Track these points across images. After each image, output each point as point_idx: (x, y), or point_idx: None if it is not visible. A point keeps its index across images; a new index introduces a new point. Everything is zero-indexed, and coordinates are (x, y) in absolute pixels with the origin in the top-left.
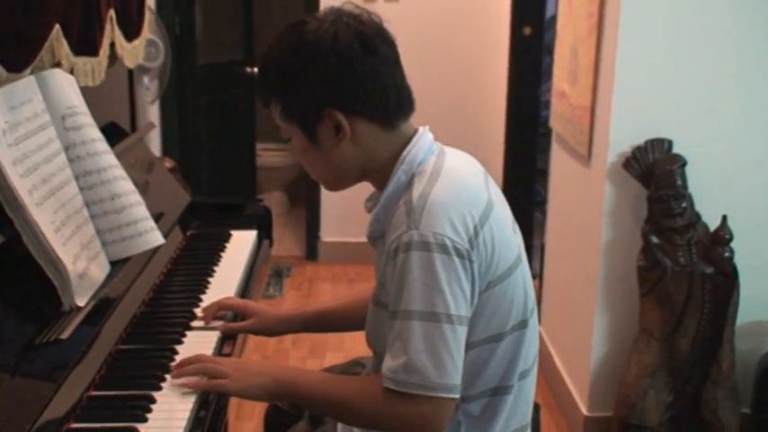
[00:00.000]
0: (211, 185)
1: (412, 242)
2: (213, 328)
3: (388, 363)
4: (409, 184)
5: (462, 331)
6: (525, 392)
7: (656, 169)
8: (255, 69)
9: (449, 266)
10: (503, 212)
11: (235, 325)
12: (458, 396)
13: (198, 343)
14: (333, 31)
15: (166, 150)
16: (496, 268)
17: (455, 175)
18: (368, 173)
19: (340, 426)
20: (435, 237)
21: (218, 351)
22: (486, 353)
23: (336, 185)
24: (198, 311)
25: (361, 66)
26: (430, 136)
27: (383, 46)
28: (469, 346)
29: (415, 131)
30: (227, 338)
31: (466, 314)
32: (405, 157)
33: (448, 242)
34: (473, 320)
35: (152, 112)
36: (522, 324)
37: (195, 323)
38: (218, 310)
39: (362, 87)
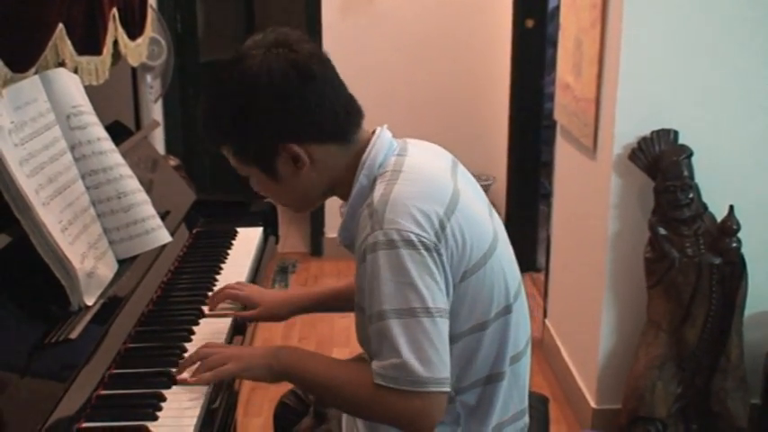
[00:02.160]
0: (215, 183)
1: (377, 242)
2: (225, 315)
3: (376, 362)
4: (372, 186)
5: (443, 323)
6: (520, 377)
7: (662, 160)
8: None
9: (417, 261)
10: (473, 200)
11: (244, 313)
12: (448, 389)
13: (207, 339)
14: (266, 66)
15: (170, 148)
16: (470, 258)
17: (416, 170)
18: (334, 188)
19: (344, 422)
20: (400, 233)
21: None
22: (473, 343)
23: (306, 208)
24: (206, 309)
25: (302, 94)
26: (388, 135)
27: (318, 67)
28: (455, 338)
29: (372, 134)
30: (236, 333)
31: (444, 306)
32: (364, 161)
33: (413, 237)
34: (454, 312)
35: (155, 111)
36: (506, 309)
37: (207, 311)
38: (224, 299)
39: (309, 116)
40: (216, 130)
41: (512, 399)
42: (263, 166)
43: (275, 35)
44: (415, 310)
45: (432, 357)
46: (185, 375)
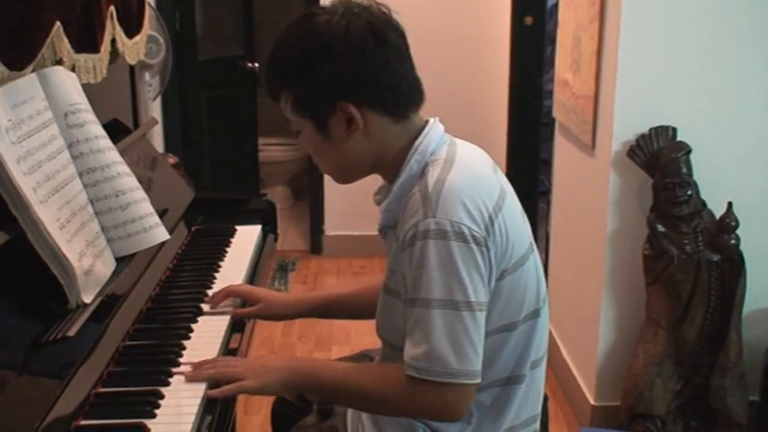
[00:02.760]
0: (214, 181)
1: (429, 230)
2: (223, 313)
3: (410, 351)
4: (422, 172)
5: (482, 317)
6: (536, 382)
7: (660, 157)
8: (257, 64)
9: (466, 254)
10: (514, 202)
11: (243, 310)
12: (479, 381)
13: (205, 337)
14: (344, 23)
15: (169, 147)
16: (510, 257)
17: (469, 163)
18: (378, 165)
19: (349, 418)
20: (452, 224)
21: (226, 344)
22: (498, 342)
23: (346, 178)
24: (205, 307)
25: (374, 58)
26: (441, 126)
27: (394, 37)
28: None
29: (426, 122)
30: (235, 331)
31: (485, 300)
32: (417, 146)
33: (465, 229)
34: (487, 309)
35: (154, 109)
36: (535, 313)
37: (206, 308)
38: (225, 297)
39: (375, 80)
40: (280, 74)
41: (526, 404)
42: (317, 121)
43: (349, 3)
44: (457, 303)
45: (467, 350)
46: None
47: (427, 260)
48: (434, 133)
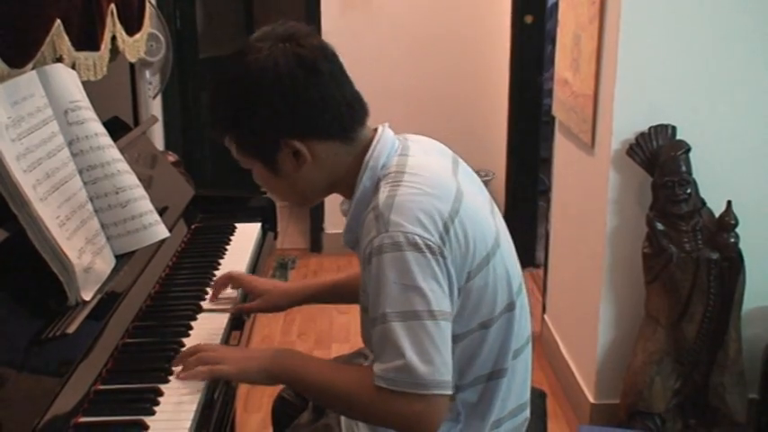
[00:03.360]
0: (214, 179)
1: (383, 245)
2: (223, 310)
3: (378, 365)
4: (375, 188)
5: (446, 326)
6: (519, 372)
7: (660, 156)
8: None
9: (422, 264)
10: (475, 199)
11: (245, 305)
12: (450, 392)
13: (204, 335)
14: (272, 60)
15: (169, 144)
16: (473, 258)
17: (420, 171)
18: (335, 186)
19: (343, 417)
20: (406, 236)
21: (225, 341)
22: (476, 341)
23: (306, 204)
24: (204, 305)
25: (307, 90)
26: (389, 134)
27: (324, 63)
28: (459, 337)
29: (374, 132)
30: (234, 329)
31: (448, 309)
32: (367, 162)
33: (419, 240)
34: (459, 312)
35: (154, 107)
36: (509, 307)
37: (206, 304)
38: (227, 282)
39: (313, 111)
40: (219, 121)
41: (511, 394)
42: (265, 160)
43: (283, 29)
44: (418, 313)
45: (435, 360)
46: (183, 375)
47: (384, 274)
48: (383, 145)
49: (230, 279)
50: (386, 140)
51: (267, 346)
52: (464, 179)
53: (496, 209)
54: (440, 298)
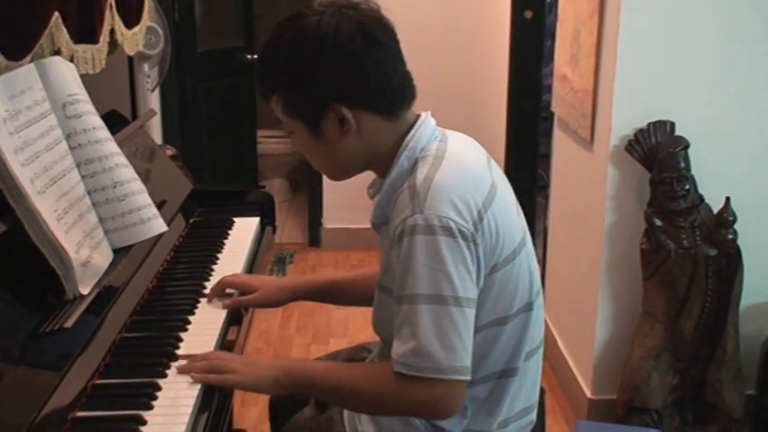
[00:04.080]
0: (212, 173)
1: (416, 226)
2: (223, 305)
3: (398, 348)
4: (412, 169)
5: (471, 313)
6: (530, 373)
7: (658, 152)
8: (256, 56)
9: (454, 249)
10: (506, 196)
11: (241, 299)
12: (468, 377)
13: (202, 329)
14: (334, 24)
15: (167, 138)
16: (501, 252)
17: (458, 159)
18: (372, 162)
19: (346, 411)
20: (440, 220)
21: (223, 336)
22: (491, 336)
23: (341, 176)
24: (202, 300)
25: (365, 59)
26: (432, 121)
27: (384, 36)
28: (475, 330)
29: (417, 117)
30: (232, 323)
31: (473, 296)
32: (407, 143)
33: (452, 225)
34: (478, 304)
35: (152, 100)
36: (528, 306)
37: (203, 302)
38: (222, 289)
39: (366, 81)
40: (271, 78)
41: (520, 395)
42: (309, 123)
43: (339, 3)
44: (445, 298)
45: (455, 345)
46: (192, 373)
47: (414, 256)
48: (425, 129)
49: (224, 286)
50: (428, 125)
51: (266, 341)
52: (496, 175)
53: (521, 212)
54: (467, 284)
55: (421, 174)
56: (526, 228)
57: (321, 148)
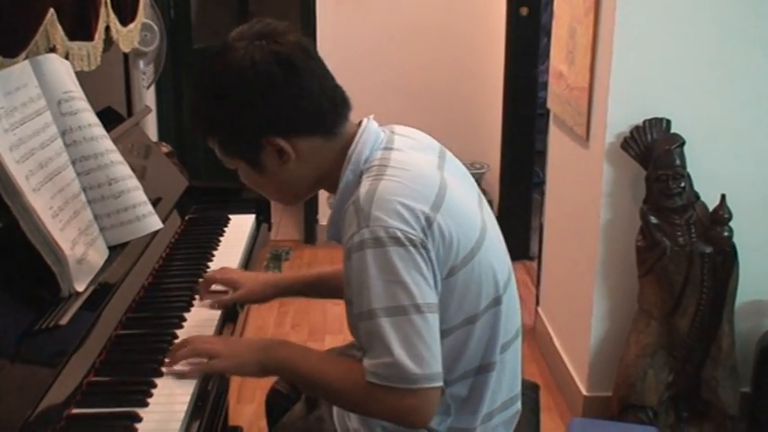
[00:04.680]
0: (207, 170)
1: (364, 240)
2: (209, 307)
3: (368, 360)
4: (358, 181)
5: (433, 318)
6: (509, 365)
7: (654, 149)
8: None
9: (405, 257)
10: (461, 192)
11: (226, 298)
12: (440, 384)
13: (198, 326)
14: (249, 58)
15: (162, 135)
16: (457, 253)
17: (402, 166)
18: (320, 181)
19: (335, 409)
20: (386, 231)
21: (219, 333)
22: (463, 336)
23: (294, 201)
24: (197, 301)
25: (287, 88)
26: (373, 126)
27: (303, 59)
28: (444, 332)
29: (359, 126)
30: (228, 320)
31: (433, 301)
32: (350, 156)
33: (400, 234)
34: (443, 308)
35: (148, 97)
36: (496, 301)
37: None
38: (208, 286)
39: (294, 109)
40: (201, 122)
41: (501, 388)
42: (249, 160)
43: (260, 26)
44: (404, 308)
45: (423, 354)
46: (177, 368)
47: (367, 271)
48: (367, 138)
49: (209, 282)
50: (369, 133)
51: (259, 336)
52: (450, 173)
53: (485, 202)
54: (425, 291)
55: (364, 188)
56: (489, 219)
57: (267, 180)
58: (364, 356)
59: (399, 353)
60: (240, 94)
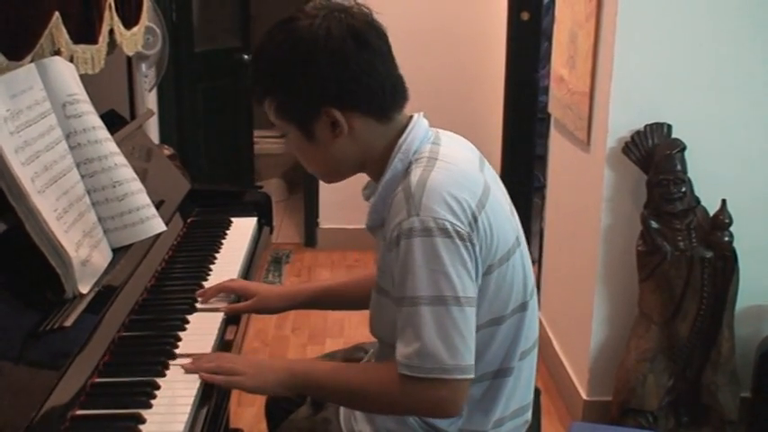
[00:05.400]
0: (209, 173)
1: (413, 228)
2: (216, 309)
3: (402, 350)
4: (406, 171)
5: (471, 312)
6: (525, 373)
7: (655, 154)
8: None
9: (452, 249)
10: (500, 196)
11: (238, 306)
12: (472, 376)
13: (201, 328)
14: (325, 27)
15: (164, 138)
16: (496, 252)
17: (451, 160)
18: (365, 165)
19: (342, 409)
20: (436, 221)
21: (221, 336)
22: (486, 336)
23: (334, 178)
24: (197, 305)
25: (356, 62)
26: (425, 122)
27: (375, 39)
28: None
29: (410, 119)
30: (230, 323)
31: (473, 295)
32: (401, 145)
33: (449, 226)
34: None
35: (150, 100)
36: (522, 307)
37: (199, 305)
38: (217, 293)
39: (358, 83)
40: (264, 81)
41: (515, 395)
42: (302, 126)
43: (336, 1)
44: (445, 299)
45: (458, 345)
46: (199, 373)
47: (413, 258)
48: (418, 131)
49: (221, 290)
50: (420, 127)
51: (262, 341)
52: (489, 176)
53: (515, 212)
54: (467, 284)
55: (415, 176)
56: (520, 228)
57: (314, 151)
58: (397, 345)
59: (435, 342)
60: (312, 58)
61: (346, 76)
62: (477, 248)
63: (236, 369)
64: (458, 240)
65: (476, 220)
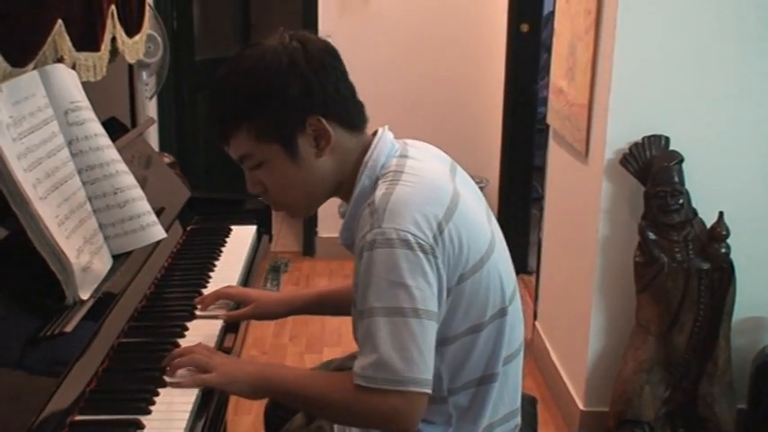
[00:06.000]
0: (208, 181)
1: (375, 240)
2: (215, 317)
3: (359, 361)
4: (374, 186)
5: (431, 326)
6: (511, 377)
7: (653, 166)
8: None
9: (413, 261)
10: (472, 203)
11: (236, 312)
12: (429, 390)
13: (199, 336)
14: (295, 44)
15: (164, 146)
16: (466, 261)
17: (417, 173)
18: (341, 185)
19: None
20: (398, 233)
21: (220, 344)
22: (467, 344)
23: (309, 207)
24: (196, 312)
25: (334, 71)
26: (389, 136)
27: (330, 60)
28: (450, 339)
29: (374, 135)
30: (229, 331)
31: (433, 308)
32: (367, 161)
33: (411, 238)
34: (450, 314)
35: (150, 108)
36: (502, 312)
37: (198, 312)
38: (215, 300)
39: (338, 91)
40: (237, 108)
41: (503, 400)
42: (285, 143)
43: (288, 33)
44: (403, 310)
45: (414, 357)
46: (169, 379)
47: (373, 269)
48: (383, 145)
49: (220, 297)
50: (385, 141)
51: (260, 349)
52: (461, 184)
53: (493, 216)
54: (427, 297)
55: (380, 191)
56: (497, 233)
57: (294, 173)
58: (357, 358)
59: (390, 353)
60: (291, 70)
61: (325, 82)
62: (441, 261)
63: (209, 364)
64: (420, 253)
65: (441, 231)
